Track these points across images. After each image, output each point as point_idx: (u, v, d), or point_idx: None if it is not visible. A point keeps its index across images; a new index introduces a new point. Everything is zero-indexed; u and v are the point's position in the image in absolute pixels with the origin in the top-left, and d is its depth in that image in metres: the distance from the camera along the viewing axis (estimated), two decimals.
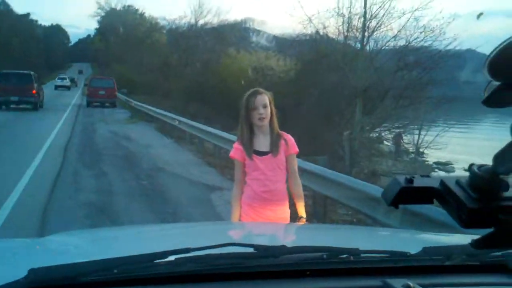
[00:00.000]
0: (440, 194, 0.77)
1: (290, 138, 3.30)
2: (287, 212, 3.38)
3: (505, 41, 0.63)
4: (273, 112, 3.22)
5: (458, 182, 0.76)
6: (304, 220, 3.30)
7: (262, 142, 3.24)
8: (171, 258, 1.20)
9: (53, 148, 13.13)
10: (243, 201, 3.37)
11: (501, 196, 0.73)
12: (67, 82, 59.05)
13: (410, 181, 0.78)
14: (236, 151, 3.32)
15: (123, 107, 32.29)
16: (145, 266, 1.20)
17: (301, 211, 3.31)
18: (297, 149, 3.30)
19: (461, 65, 16.23)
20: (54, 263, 1.16)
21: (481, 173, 0.73)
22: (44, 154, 11.93)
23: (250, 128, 3.24)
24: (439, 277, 1.34)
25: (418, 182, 0.79)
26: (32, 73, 27.74)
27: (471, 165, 0.75)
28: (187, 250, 1.21)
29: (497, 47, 0.63)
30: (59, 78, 58.94)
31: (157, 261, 1.20)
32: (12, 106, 25.40)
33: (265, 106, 3.16)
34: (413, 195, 0.79)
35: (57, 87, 50.09)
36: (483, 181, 0.73)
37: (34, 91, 25.89)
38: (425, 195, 0.79)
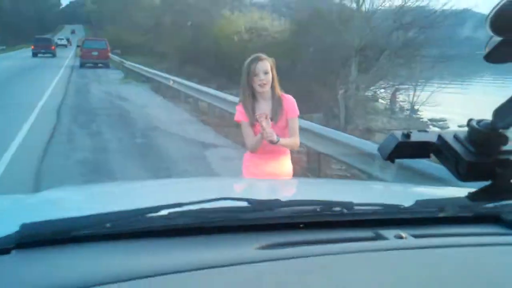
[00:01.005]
0: (438, 148, 0.78)
1: (291, 101, 3.30)
2: (288, 168, 3.44)
3: None
4: (274, 77, 3.23)
5: (456, 136, 0.76)
6: (274, 136, 3.11)
7: (264, 107, 3.26)
8: (164, 212, 1.20)
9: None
10: (246, 158, 3.45)
11: (499, 150, 0.74)
12: (65, 42, 73.04)
13: (407, 135, 0.79)
14: (239, 114, 3.34)
15: (116, 68, 32.01)
16: (138, 220, 1.20)
17: (282, 139, 3.19)
18: (297, 112, 3.30)
19: (458, 24, 16.11)
20: (47, 218, 1.15)
21: (480, 127, 0.74)
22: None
23: (252, 93, 3.26)
24: (432, 228, 1.34)
25: (415, 136, 0.79)
26: (51, 37, 53.79)
27: (470, 120, 0.76)
28: (180, 204, 1.21)
29: (499, 3, 0.63)
30: (58, 39, 71.24)
31: (150, 215, 1.19)
32: (40, 55, 44.15)
33: (266, 72, 3.17)
34: (410, 150, 0.79)
35: (57, 45, 56.16)
36: (482, 135, 0.74)
37: (53, 47, 47.00)
38: (422, 149, 0.79)
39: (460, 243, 1.23)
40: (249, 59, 3.22)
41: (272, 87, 3.24)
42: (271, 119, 3.18)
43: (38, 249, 1.11)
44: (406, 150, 0.79)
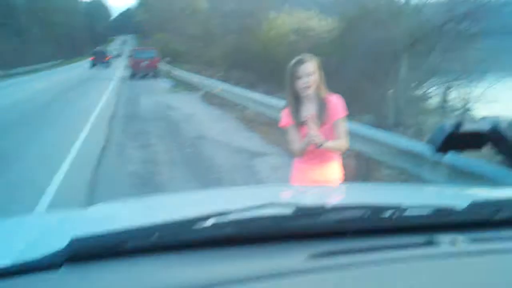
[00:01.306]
0: (491, 138, 0.68)
1: (337, 102, 3.19)
2: (337, 173, 3.35)
3: None
4: (320, 78, 3.14)
5: (510, 124, 0.65)
6: (320, 139, 3.04)
7: (309, 110, 3.17)
8: (210, 221, 1.20)
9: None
10: (295, 165, 3.40)
11: None
12: (117, 52, 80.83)
13: (458, 126, 0.68)
14: (285, 118, 3.29)
15: (166, 77, 32.62)
16: (184, 231, 1.20)
17: (328, 142, 3.10)
18: (343, 113, 3.19)
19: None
20: (96, 232, 1.17)
21: None
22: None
23: (297, 96, 3.19)
24: (488, 231, 1.27)
25: (467, 126, 0.74)
26: (106, 50, 61.73)
27: None
28: (226, 213, 1.22)
29: None
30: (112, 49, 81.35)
31: (196, 225, 1.20)
32: (96, 67, 48.74)
33: (309, 75, 3.09)
34: (461, 140, 0.73)
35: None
36: None
37: (107, 58, 52.09)
38: (475, 140, 0.71)
39: None
40: (292, 62, 3.15)
41: (318, 88, 3.15)
42: (321, 124, 3.13)
43: (87, 264, 1.13)
44: (457, 141, 0.77)
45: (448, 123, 0.71)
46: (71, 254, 1.11)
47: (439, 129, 0.72)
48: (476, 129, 0.71)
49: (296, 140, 3.25)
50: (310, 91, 3.12)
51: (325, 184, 3.22)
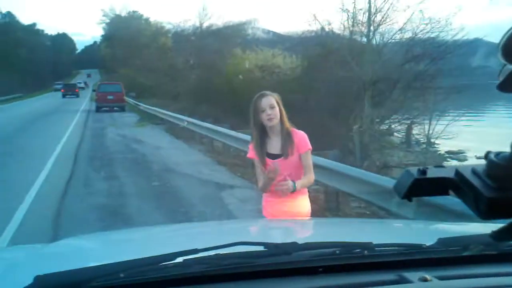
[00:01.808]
0: (456, 184, 0.73)
1: (301, 136, 3.29)
2: (306, 207, 3.40)
3: None
4: (282, 112, 3.26)
5: (474, 171, 0.71)
6: (289, 185, 3.15)
7: (275, 144, 3.29)
8: (179, 259, 1.18)
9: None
10: (264, 199, 3.46)
11: None
12: (83, 85, 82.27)
13: (423, 172, 0.75)
14: (252, 151, 3.39)
15: (132, 111, 32.41)
16: (152, 269, 1.18)
17: (298, 183, 3.20)
18: (308, 147, 3.28)
19: (469, 54, 16.13)
20: (62, 269, 1.14)
21: (499, 160, 0.69)
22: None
23: (263, 130, 3.30)
24: (457, 268, 1.31)
25: (432, 172, 0.75)
26: (76, 83, 72.11)
27: (488, 152, 0.71)
28: (195, 251, 1.19)
29: (510, 29, 0.60)
30: (77, 82, 77.67)
31: (164, 263, 1.18)
32: (67, 96, 55.69)
33: (272, 107, 3.21)
34: (427, 187, 0.75)
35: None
36: (502, 169, 0.68)
37: (77, 90, 60.02)
38: (440, 186, 0.75)
39: (487, 285, 1.19)
40: (255, 97, 3.27)
41: (281, 123, 3.26)
42: (280, 155, 3.22)
43: None
44: (423, 188, 0.75)
45: (414, 169, 0.79)
46: None
47: (404, 175, 0.80)
48: (441, 175, 0.79)
49: (260, 174, 3.35)
50: (274, 123, 3.22)
51: (295, 217, 3.26)
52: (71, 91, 59.10)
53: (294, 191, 3.13)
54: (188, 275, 1.18)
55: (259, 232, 2.40)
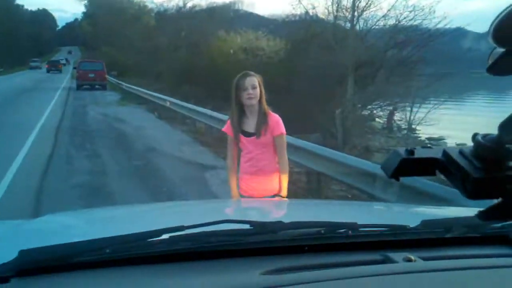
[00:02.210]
0: (443, 165, 0.74)
1: (276, 119, 3.40)
2: (275, 187, 3.49)
3: (509, 6, 0.60)
4: (262, 94, 3.37)
5: (461, 152, 0.73)
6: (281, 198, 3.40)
7: (251, 123, 3.40)
8: (165, 236, 1.18)
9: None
10: (239, 174, 3.57)
11: (508, 165, 0.70)
12: (64, 61, 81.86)
13: (411, 152, 0.76)
14: (228, 126, 3.52)
15: (113, 90, 32.04)
16: (139, 245, 1.18)
17: (282, 189, 3.44)
18: (282, 130, 3.40)
19: (451, 42, 16.25)
20: (46, 244, 1.13)
21: (486, 142, 0.70)
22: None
23: (241, 109, 3.42)
24: (440, 249, 1.33)
25: (420, 153, 0.76)
26: (60, 59, 77.93)
27: (475, 134, 0.72)
28: (181, 228, 1.18)
29: (501, 13, 0.60)
30: (60, 59, 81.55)
31: (151, 239, 1.17)
32: (51, 72, 60.04)
33: (254, 87, 3.33)
34: (414, 167, 0.76)
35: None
36: (489, 150, 0.70)
37: (60, 66, 65.13)
38: (427, 166, 0.76)
39: (469, 265, 1.21)
40: (238, 76, 3.39)
41: (260, 103, 3.37)
42: (255, 134, 3.35)
43: (37, 277, 1.09)
44: (410, 167, 0.76)
45: (402, 149, 0.80)
46: (20, 267, 1.08)
47: (392, 155, 0.80)
48: (429, 156, 0.79)
49: (231, 151, 3.56)
50: (254, 102, 3.34)
51: (267, 194, 3.41)
52: (54, 67, 64.11)
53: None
54: (175, 251, 1.19)
55: (245, 211, 2.41)
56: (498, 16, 0.61)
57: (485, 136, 0.72)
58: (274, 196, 3.42)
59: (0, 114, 16.74)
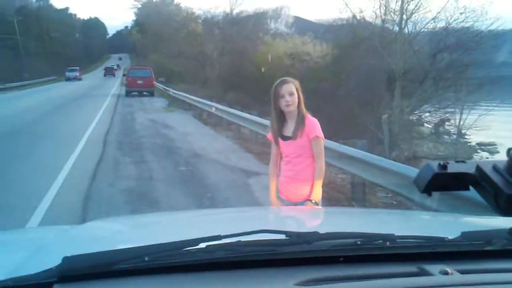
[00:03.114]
0: (476, 180, 0.73)
1: (312, 122, 3.45)
2: (310, 191, 3.49)
3: None
4: (300, 99, 3.44)
5: (495, 167, 0.71)
6: (312, 204, 3.39)
7: (290, 127, 3.49)
8: (202, 245, 1.20)
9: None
10: (279, 178, 3.65)
11: None
12: (116, 67, 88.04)
13: (444, 166, 0.75)
14: (270, 133, 3.65)
15: (161, 96, 32.65)
16: (176, 254, 1.20)
17: (314, 194, 3.44)
18: (317, 133, 3.43)
19: (503, 45, 15.75)
20: (89, 251, 1.17)
21: None
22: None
23: (280, 115, 3.50)
24: (479, 262, 1.30)
25: (453, 167, 0.75)
26: (112, 65, 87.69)
27: (510, 149, 0.71)
28: (218, 237, 1.21)
29: None
30: (111, 65, 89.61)
31: (188, 248, 1.20)
32: (107, 75, 71.20)
33: (291, 94, 3.38)
34: (447, 182, 0.75)
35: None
36: None
37: (114, 71, 74.76)
38: (460, 181, 0.75)
39: (509, 280, 1.18)
40: (275, 83, 3.46)
41: (298, 108, 3.44)
42: (291, 137, 3.44)
43: (79, 283, 1.13)
44: (443, 182, 0.75)
45: (434, 163, 0.77)
46: (63, 273, 1.12)
47: (425, 169, 0.77)
48: (462, 171, 0.77)
49: (273, 157, 3.64)
50: (292, 109, 3.41)
51: (303, 199, 3.44)
52: (109, 72, 75.85)
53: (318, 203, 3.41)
54: (211, 260, 1.20)
55: (281, 220, 2.41)
56: None
57: None
58: (305, 201, 3.42)
59: (53, 119, 17.34)
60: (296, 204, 3.48)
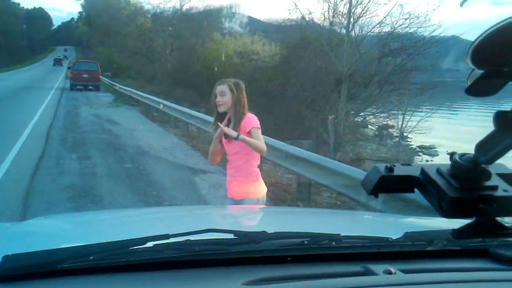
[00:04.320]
0: (421, 182, 0.75)
1: (249, 118, 3.49)
2: (250, 190, 3.56)
3: (487, 29, 0.61)
4: (241, 99, 3.49)
5: (439, 170, 0.74)
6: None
7: (224, 125, 3.50)
8: (150, 244, 1.18)
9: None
10: (226, 178, 3.71)
11: (482, 185, 0.72)
12: (63, 57, 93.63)
13: (390, 169, 0.77)
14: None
15: (107, 91, 32.00)
16: (123, 253, 1.18)
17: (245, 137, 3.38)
18: (253, 125, 3.45)
19: (445, 52, 16.29)
20: (31, 249, 1.14)
21: (463, 162, 0.72)
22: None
23: (221, 114, 3.57)
24: (421, 262, 1.34)
25: (399, 170, 0.77)
26: (58, 56, 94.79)
27: (452, 153, 0.74)
28: (166, 236, 1.19)
29: (480, 36, 0.62)
30: (58, 56, 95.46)
31: (135, 247, 1.18)
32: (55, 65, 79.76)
33: (222, 95, 3.47)
34: (393, 184, 0.77)
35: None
36: (465, 170, 0.72)
37: (61, 62, 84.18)
38: (406, 183, 0.77)
39: (449, 279, 1.22)
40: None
41: (236, 108, 3.49)
42: (225, 137, 3.49)
43: (21, 283, 1.10)
44: (389, 184, 0.77)
45: (381, 166, 0.80)
46: (4, 272, 1.09)
47: (372, 171, 0.80)
48: (407, 174, 0.81)
49: (211, 147, 3.68)
50: (221, 109, 3.50)
51: (243, 197, 3.50)
52: (58, 62, 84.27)
53: (237, 137, 3.34)
54: (159, 260, 1.19)
55: (229, 219, 2.41)
56: (477, 39, 0.62)
57: (462, 155, 0.73)
58: (245, 199, 3.48)
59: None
60: (238, 201, 3.52)
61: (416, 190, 0.78)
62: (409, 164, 0.80)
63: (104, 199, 6.88)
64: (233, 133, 3.35)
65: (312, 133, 13.52)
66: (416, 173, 0.77)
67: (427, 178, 0.75)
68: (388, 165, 0.78)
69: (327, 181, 6.19)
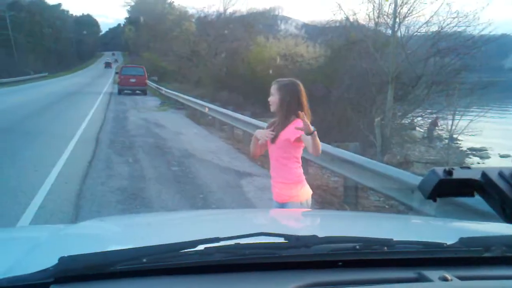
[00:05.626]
0: (482, 186, 0.72)
1: (296, 124, 3.29)
2: (293, 193, 3.48)
3: None
4: (284, 100, 3.38)
5: (501, 174, 0.71)
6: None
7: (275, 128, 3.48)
8: (200, 247, 1.19)
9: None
10: (271, 183, 3.66)
11: None
12: (112, 61, 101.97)
13: (449, 172, 0.74)
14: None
15: (153, 95, 32.54)
16: (174, 256, 1.19)
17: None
18: (299, 133, 3.24)
19: (494, 50, 15.81)
20: (85, 251, 1.16)
21: None
22: None
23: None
24: (477, 268, 1.29)
25: (458, 173, 0.74)
26: (111, 60, 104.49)
27: None
28: (217, 240, 1.20)
29: None
30: (108, 60, 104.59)
31: (186, 250, 1.19)
32: (106, 68, 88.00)
33: (271, 94, 3.42)
34: (452, 188, 0.75)
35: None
36: None
37: (111, 64, 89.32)
38: (466, 187, 0.74)
39: (508, 287, 1.18)
40: None
41: (281, 109, 3.41)
42: (272, 141, 3.44)
43: (76, 284, 1.12)
44: (448, 188, 0.75)
45: (440, 169, 0.77)
46: (60, 273, 1.11)
47: (430, 175, 0.77)
48: (467, 177, 0.77)
49: (251, 146, 3.68)
50: (271, 108, 3.45)
51: (285, 200, 3.44)
52: (108, 65, 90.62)
53: (312, 132, 3.07)
54: (209, 263, 1.20)
55: (280, 223, 2.40)
56: None
57: None
58: (288, 202, 3.42)
59: (45, 116, 17.23)
60: (282, 205, 3.47)
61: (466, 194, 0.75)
62: (468, 167, 0.77)
63: (153, 202, 6.98)
64: (309, 128, 3.07)
65: (358, 135, 13.36)
66: (477, 176, 0.74)
67: (488, 182, 0.72)
68: (447, 168, 0.76)
69: (374, 184, 6.09)
